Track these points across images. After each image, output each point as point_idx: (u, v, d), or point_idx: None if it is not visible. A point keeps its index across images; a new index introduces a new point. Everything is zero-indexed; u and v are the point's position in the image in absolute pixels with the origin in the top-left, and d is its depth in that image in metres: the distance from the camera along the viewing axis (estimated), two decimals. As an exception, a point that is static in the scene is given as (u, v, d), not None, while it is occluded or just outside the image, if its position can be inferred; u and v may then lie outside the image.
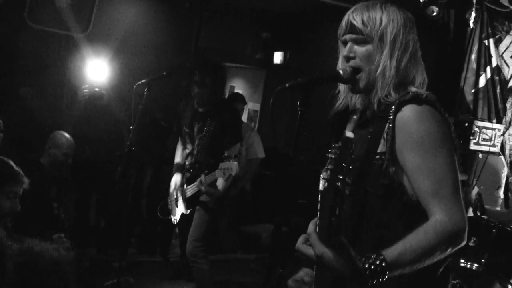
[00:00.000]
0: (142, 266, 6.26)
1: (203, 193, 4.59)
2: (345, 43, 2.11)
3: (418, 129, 1.90)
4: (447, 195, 1.86)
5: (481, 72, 6.47)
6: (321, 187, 1.76)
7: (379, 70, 2.02)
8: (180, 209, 4.86)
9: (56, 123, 5.59)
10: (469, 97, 6.49)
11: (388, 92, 2.01)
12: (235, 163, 4.33)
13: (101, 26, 6.53)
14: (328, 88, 2.25)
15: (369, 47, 2.04)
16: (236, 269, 6.61)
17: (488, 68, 6.44)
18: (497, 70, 6.41)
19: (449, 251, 1.85)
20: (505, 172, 5.90)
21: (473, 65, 6.51)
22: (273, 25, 9.27)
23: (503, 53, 6.44)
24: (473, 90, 6.50)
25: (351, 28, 2.06)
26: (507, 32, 6.44)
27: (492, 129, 5.84)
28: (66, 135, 5.14)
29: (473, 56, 6.51)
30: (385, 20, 2.03)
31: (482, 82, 6.47)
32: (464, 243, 1.87)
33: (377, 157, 1.96)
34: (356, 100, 2.21)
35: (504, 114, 6.33)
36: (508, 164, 6.13)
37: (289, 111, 7.18)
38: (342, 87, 2.22)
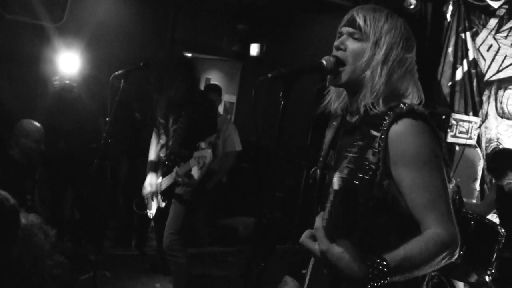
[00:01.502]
0: (118, 259, 6.20)
1: (179, 183, 4.53)
2: (340, 35, 2.07)
3: (414, 144, 1.89)
4: (443, 210, 1.88)
5: (458, 65, 6.52)
6: (336, 185, 1.73)
7: (368, 72, 1.98)
8: (156, 203, 4.81)
9: (28, 114, 5.50)
10: (446, 90, 6.54)
11: (376, 100, 1.97)
12: (209, 150, 4.28)
13: (74, 17, 6.43)
14: (309, 81, 2.22)
15: (362, 44, 2.00)
16: (213, 262, 6.57)
17: (465, 61, 6.49)
18: (474, 64, 6.46)
19: (443, 263, 1.87)
20: (481, 164, 5.95)
21: (450, 58, 6.55)
22: (249, 17, 9.23)
23: (479, 46, 6.48)
24: (450, 83, 6.55)
25: (352, 22, 2.03)
26: (484, 26, 6.48)
27: (469, 122, 5.89)
28: (34, 122, 5.05)
29: (450, 49, 6.56)
30: (387, 26, 2.00)
31: (459, 75, 6.51)
32: (457, 254, 1.90)
33: (368, 167, 1.91)
34: (339, 105, 2.18)
35: (481, 107, 6.38)
36: (484, 157, 6.17)
37: (266, 101, 7.16)
38: (332, 89, 2.19)
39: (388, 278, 1.76)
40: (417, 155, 1.88)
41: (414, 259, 1.80)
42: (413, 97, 2.03)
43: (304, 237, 1.91)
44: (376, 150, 1.91)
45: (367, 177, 1.90)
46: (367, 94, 1.98)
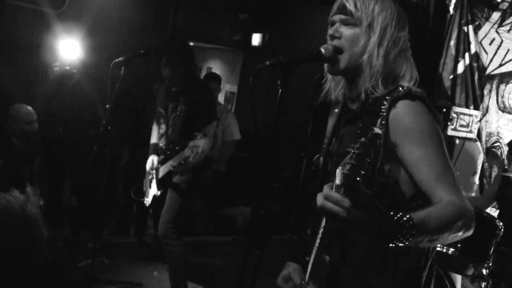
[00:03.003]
0: (117, 247, 6.21)
1: (174, 169, 4.53)
2: (332, 23, 2.07)
3: (415, 123, 1.91)
4: (452, 183, 1.90)
5: (459, 59, 6.50)
6: (338, 181, 1.72)
7: (365, 56, 1.99)
8: (152, 191, 4.82)
9: (28, 100, 5.49)
10: (447, 83, 6.53)
11: (375, 83, 1.99)
12: (203, 140, 4.27)
13: (75, 3, 6.41)
14: (308, 69, 2.21)
15: (356, 30, 2.01)
16: (211, 251, 6.59)
17: (466, 55, 6.47)
18: (476, 57, 6.44)
19: (462, 232, 1.85)
20: (481, 158, 5.93)
21: (452, 51, 6.53)
22: (251, 6, 9.19)
23: (482, 40, 6.46)
24: (451, 76, 6.53)
25: (342, 9, 2.03)
26: (486, 19, 6.45)
27: (470, 115, 5.88)
28: (22, 105, 5.06)
29: (452, 42, 6.54)
30: (378, 8, 2.00)
31: (460, 68, 6.50)
32: (472, 231, 1.90)
33: (368, 161, 1.92)
34: (339, 92, 2.18)
35: (482, 101, 6.37)
36: (484, 151, 6.17)
37: (266, 91, 7.15)
38: (329, 77, 2.19)
39: (413, 234, 1.72)
40: (420, 131, 1.91)
41: (436, 219, 1.79)
42: (408, 75, 2.05)
43: (321, 199, 1.78)
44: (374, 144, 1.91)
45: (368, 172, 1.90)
46: (366, 78, 2.00)
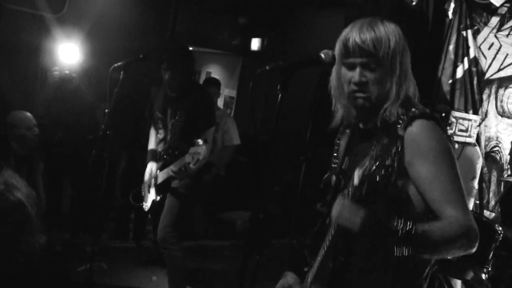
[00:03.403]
0: (115, 251, 6.19)
1: (174, 175, 4.53)
2: (351, 66, 2.05)
3: (429, 142, 1.96)
4: (460, 201, 1.94)
5: (458, 63, 6.50)
6: (356, 181, 1.79)
7: (393, 96, 2.02)
8: (151, 196, 4.81)
9: (28, 105, 5.49)
10: (446, 88, 6.53)
11: (394, 109, 2.03)
12: (204, 146, 4.26)
13: (74, 7, 6.41)
14: (307, 74, 2.21)
15: (381, 71, 2.01)
16: (210, 256, 6.57)
17: (465, 59, 6.47)
18: (475, 62, 6.44)
19: (463, 249, 1.92)
20: (480, 163, 5.92)
21: (451, 55, 6.54)
22: (251, 11, 9.20)
23: (480, 44, 6.45)
24: (450, 81, 6.54)
25: (361, 51, 2.01)
26: (485, 24, 6.45)
27: (469, 120, 5.86)
28: (22, 111, 5.05)
29: (451, 47, 6.54)
30: (393, 42, 2.01)
31: (459, 73, 6.50)
32: (475, 247, 1.94)
33: (386, 165, 1.92)
34: (353, 115, 2.19)
35: (481, 105, 6.37)
36: (484, 155, 6.16)
37: (265, 96, 7.15)
38: (339, 103, 2.19)
39: (411, 245, 1.81)
40: (433, 149, 1.96)
41: (439, 234, 1.85)
42: (414, 93, 2.10)
43: (337, 212, 1.93)
44: (393, 152, 1.92)
45: (386, 176, 1.91)
46: (388, 108, 2.03)
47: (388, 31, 2.01)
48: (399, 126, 1.95)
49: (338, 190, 2.17)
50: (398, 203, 1.97)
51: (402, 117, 1.98)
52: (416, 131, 1.96)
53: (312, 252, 2.23)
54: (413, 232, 1.80)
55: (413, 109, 1.99)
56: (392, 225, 1.81)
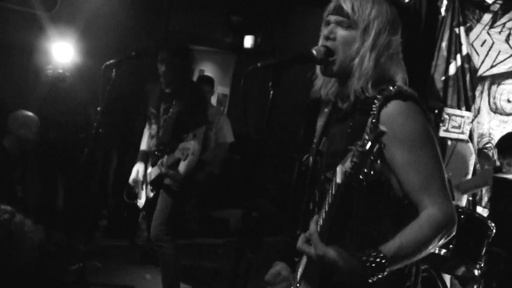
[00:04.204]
0: (109, 250, 6.19)
1: (165, 175, 4.54)
2: (327, 23, 2.06)
3: (405, 125, 1.90)
4: (436, 189, 1.89)
5: (451, 60, 6.52)
6: (338, 179, 1.72)
7: (357, 59, 1.99)
8: (145, 193, 4.81)
9: (21, 104, 5.47)
10: (439, 85, 6.54)
11: (365, 85, 1.98)
12: (193, 142, 4.27)
13: (67, 5, 6.39)
14: (300, 71, 2.21)
15: (352, 32, 2.00)
16: (204, 254, 6.57)
17: (458, 56, 6.49)
18: (467, 58, 6.46)
19: (442, 241, 1.89)
20: (473, 159, 5.95)
21: (444, 52, 6.55)
22: (244, 9, 9.19)
23: (473, 41, 6.48)
24: (443, 78, 6.55)
25: (339, 10, 2.02)
26: (478, 21, 6.48)
27: (461, 116, 5.89)
28: (29, 113, 5.03)
29: (443, 44, 6.56)
30: (374, 13, 2.00)
31: (452, 70, 6.52)
32: (454, 231, 1.91)
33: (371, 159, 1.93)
34: (329, 90, 2.17)
35: (473, 102, 6.39)
36: (476, 152, 6.18)
37: (259, 94, 7.15)
38: (319, 71, 2.17)
39: (387, 269, 1.78)
40: (409, 135, 1.89)
41: (411, 246, 1.82)
42: (400, 79, 2.05)
43: (301, 243, 1.90)
44: (368, 134, 1.91)
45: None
46: (355, 81, 1.99)
47: (375, 3, 2.01)
48: (374, 106, 1.88)
49: (315, 172, 2.15)
50: (378, 186, 1.91)
51: (378, 96, 1.91)
52: (392, 113, 1.89)
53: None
54: (384, 261, 1.77)
55: (390, 88, 1.92)
56: (359, 265, 1.78)
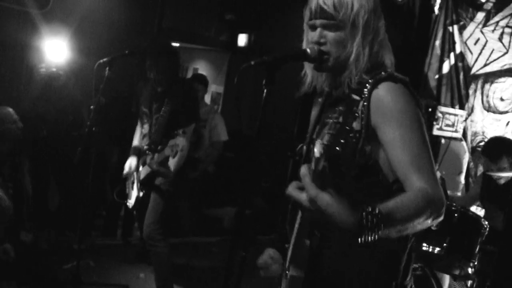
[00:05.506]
0: (103, 249, 6.18)
1: (155, 173, 4.53)
2: (313, 27, 2.05)
3: (395, 104, 1.90)
4: (425, 167, 1.86)
5: (445, 58, 6.54)
6: (317, 153, 1.60)
7: (352, 56, 1.99)
8: (135, 192, 4.80)
9: (14, 102, 5.45)
10: (432, 83, 6.56)
11: (359, 75, 1.99)
12: (181, 138, 4.27)
13: (60, 3, 6.37)
14: (294, 69, 2.21)
15: (341, 33, 1.99)
16: (198, 252, 6.57)
17: (452, 55, 6.50)
18: (461, 57, 6.48)
19: (431, 220, 1.81)
20: (466, 157, 5.96)
21: (437, 51, 6.57)
22: (237, 7, 9.18)
23: (467, 40, 6.49)
24: (436, 76, 6.57)
25: (322, 13, 2.00)
26: (471, 19, 6.49)
27: (455, 115, 5.90)
28: (3, 107, 5.01)
29: (437, 42, 6.57)
30: (356, 5, 1.98)
31: (445, 68, 6.53)
32: (442, 217, 1.85)
33: (351, 134, 1.92)
34: (323, 82, 2.17)
35: (467, 100, 6.40)
36: (470, 150, 6.20)
37: (253, 92, 7.14)
38: (308, 68, 2.17)
39: (381, 228, 1.65)
40: (399, 114, 1.89)
41: (405, 211, 1.72)
42: (388, 62, 2.06)
43: (291, 188, 1.76)
44: (358, 115, 1.92)
45: (350, 143, 1.90)
46: (352, 72, 1.99)
47: None
48: (365, 89, 1.91)
49: (309, 160, 2.14)
50: (366, 171, 1.91)
51: (370, 81, 1.94)
52: (382, 93, 1.91)
53: (292, 228, 2.16)
54: (380, 216, 1.65)
55: (381, 73, 1.95)
56: (353, 217, 1.64)
